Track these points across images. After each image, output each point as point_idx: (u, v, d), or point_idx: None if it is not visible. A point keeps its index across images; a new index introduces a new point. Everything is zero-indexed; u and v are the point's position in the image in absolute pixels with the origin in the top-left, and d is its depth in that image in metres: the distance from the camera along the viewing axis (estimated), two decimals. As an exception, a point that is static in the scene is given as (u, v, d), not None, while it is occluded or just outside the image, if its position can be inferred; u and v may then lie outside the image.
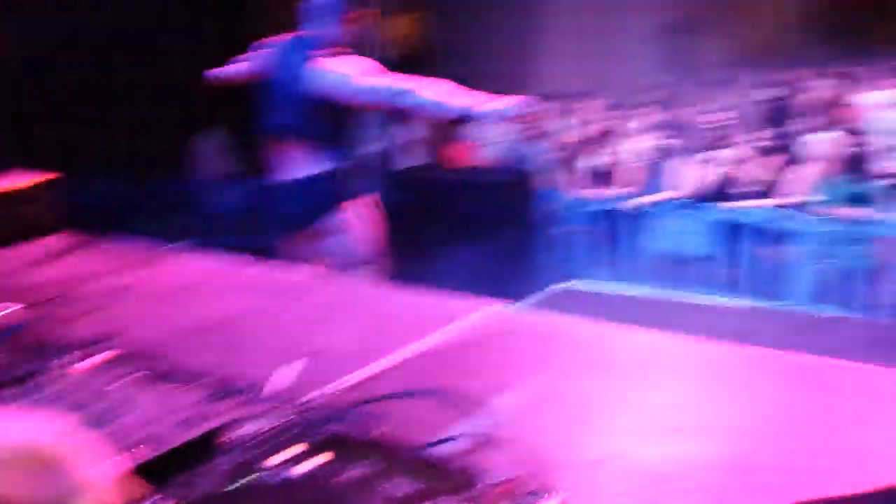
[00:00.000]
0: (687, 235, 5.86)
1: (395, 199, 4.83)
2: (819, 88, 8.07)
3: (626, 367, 1.19)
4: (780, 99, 8.03)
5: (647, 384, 1.14)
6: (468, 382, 1.10)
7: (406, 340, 1.28)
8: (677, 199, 5.89)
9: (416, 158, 7.04)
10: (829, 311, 5.19)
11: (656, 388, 1.12)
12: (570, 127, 7.43)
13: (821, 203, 5.34)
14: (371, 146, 5.13)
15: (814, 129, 6.34)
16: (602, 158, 6.38)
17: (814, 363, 1.20)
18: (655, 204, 6.00)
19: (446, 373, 1.17)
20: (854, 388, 1.10)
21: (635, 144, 6.72)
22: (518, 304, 1.69)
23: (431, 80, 2.96)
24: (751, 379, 1.16)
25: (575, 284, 3.74)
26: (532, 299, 3.20)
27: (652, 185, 6.07)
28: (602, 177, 6.34)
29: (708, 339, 1.28)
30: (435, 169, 6.74)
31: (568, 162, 6.63)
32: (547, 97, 7.02)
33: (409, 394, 1.07)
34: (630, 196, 6.12)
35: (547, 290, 3.39)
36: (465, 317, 1.37)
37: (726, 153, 5.99)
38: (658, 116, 7.35)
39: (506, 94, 2.92)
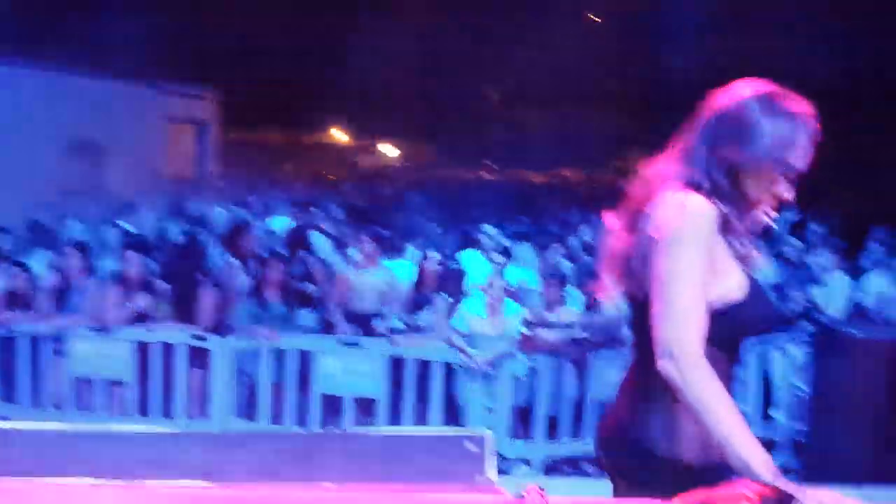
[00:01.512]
0: (101, 359, 5.65)
1: None
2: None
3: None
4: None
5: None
6: None
7: None
8: (91, 323, 5.66)
9: None
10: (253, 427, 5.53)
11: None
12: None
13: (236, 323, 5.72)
14: None
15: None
16: (14, 280, 5.81)
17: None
18: (70, 328, 5.67)
19: None
20: None
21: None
22: None
23: None
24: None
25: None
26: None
27: (67, 309, 5.75)
28: (15, 299, 5.79)
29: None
30: None
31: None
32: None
33: None
34: (44, 319, 5.77)
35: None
36: None
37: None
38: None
39: None
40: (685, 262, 1.76)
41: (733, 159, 1.84)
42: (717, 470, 1.76)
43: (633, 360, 2.00)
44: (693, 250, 1.77)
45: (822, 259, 6.74)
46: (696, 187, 1.84)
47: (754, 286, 1.91)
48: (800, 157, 1.83)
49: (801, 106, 1.85)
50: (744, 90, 1.88)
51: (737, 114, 1.85)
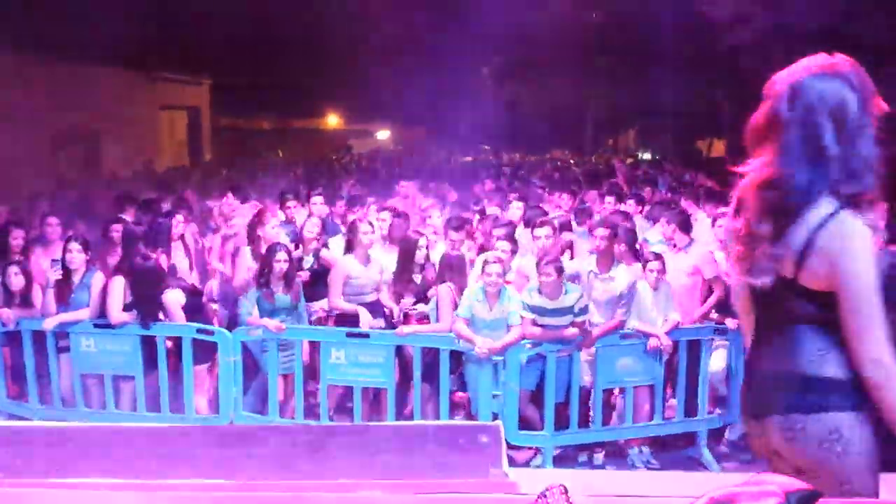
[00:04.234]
0: (107, 354, 5.66)
1: None
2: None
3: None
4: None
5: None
6: None
7: None
8: (96, 317, 5.66)
9: None
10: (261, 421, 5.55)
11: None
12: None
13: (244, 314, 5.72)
14: None
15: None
16: (11, 277, 5.78)
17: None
18: (73, 323, 5.67)
19: None
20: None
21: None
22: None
23: None
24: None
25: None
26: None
27: (73, 304, 5.74)
28: (14, 296, 5.78)
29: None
30: None
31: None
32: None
33: None
34: (46, 315, 5.73)
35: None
36: None
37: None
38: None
39: None
40: (875, 287, 2.04)
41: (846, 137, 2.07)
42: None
43: (767, 328, 2.22)
44: (875, 274, 2.05)
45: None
46: (840, 193, 2.06)
47: None
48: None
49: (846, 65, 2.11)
50: (805, 70, 2.12)
51: (833, 97, 2.08)
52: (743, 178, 2.28)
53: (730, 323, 5.64)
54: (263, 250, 6.16)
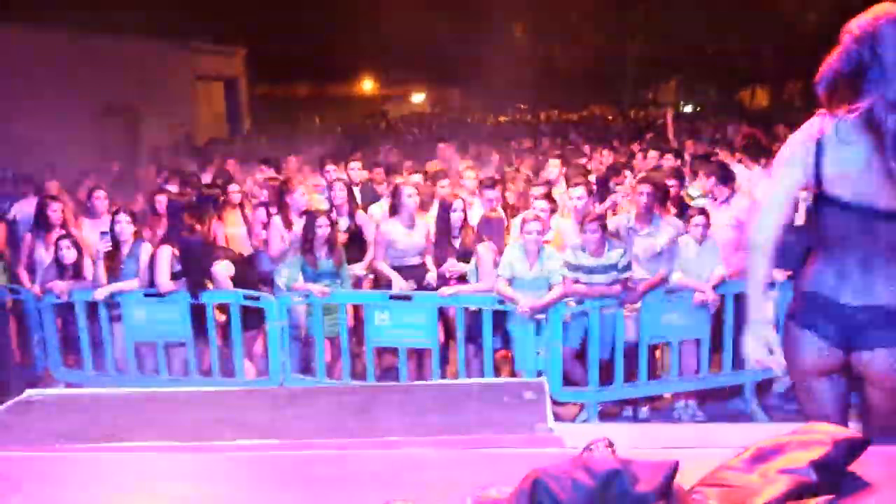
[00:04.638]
0: (158, 323, 5.80)
1: None
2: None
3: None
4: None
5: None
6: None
7: None
8: (145, 286, 5.79)
9: None
10: (309, 383, 5.65)
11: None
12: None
13: (286, 279, 5.80)
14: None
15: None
16: (63, 250, 5.93)
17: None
18: (125, 293, 5.82)
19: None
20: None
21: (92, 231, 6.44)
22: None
23: None
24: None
25: (42, 392, 3.37)
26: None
27: (123, 275, 5.88)
28: (67, 268, 5.93)
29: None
30: None
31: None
32: None
33: None
34: (97, 286, 5.86)
35: (14, 400, 3.02)
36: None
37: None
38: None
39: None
40: None
41: None
42: None
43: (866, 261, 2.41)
44: None
45: None
46: None
47: None
48: None
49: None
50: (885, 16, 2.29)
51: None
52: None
53: (777, 274, 5.55)
54: (292, 217, 6.21)
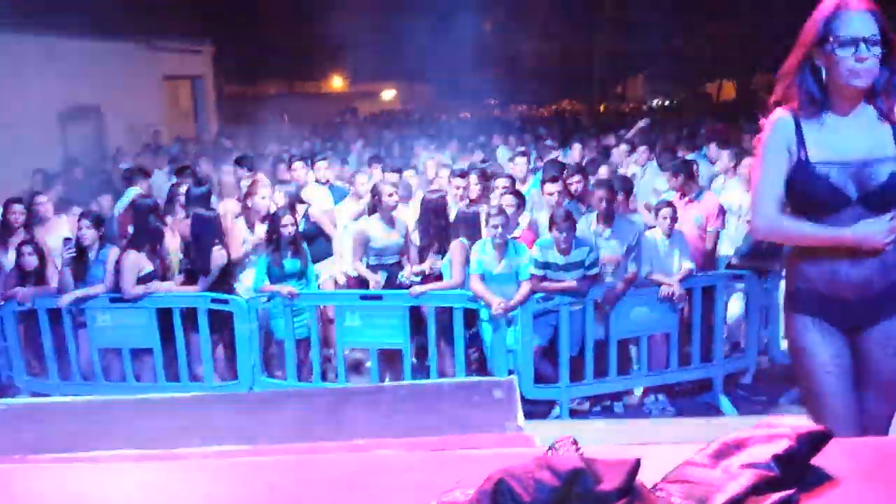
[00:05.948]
0: (123, 328, 5.72)
1: None
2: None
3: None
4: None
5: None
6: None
7: None
8: (113, 291, 5.71)
9: None
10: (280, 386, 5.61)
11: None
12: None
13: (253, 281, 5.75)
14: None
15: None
16: (25, 256, 5.82)
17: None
18: (87, 299, 5.73)
19: None
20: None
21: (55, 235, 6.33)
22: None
23: None
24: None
25: (5, 402, 3.31)
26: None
27: (89, 280, 5.79)
28: (29, 275, 5.81)
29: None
30: None
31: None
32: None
33: None
34: (62, 292, 5.76)
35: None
36: None
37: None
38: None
39: None
40: None
41: None
42: None
43: None
44: None
45: None
46: None
47: None
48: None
49: None
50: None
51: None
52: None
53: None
54: (254, 220, 6.18)
